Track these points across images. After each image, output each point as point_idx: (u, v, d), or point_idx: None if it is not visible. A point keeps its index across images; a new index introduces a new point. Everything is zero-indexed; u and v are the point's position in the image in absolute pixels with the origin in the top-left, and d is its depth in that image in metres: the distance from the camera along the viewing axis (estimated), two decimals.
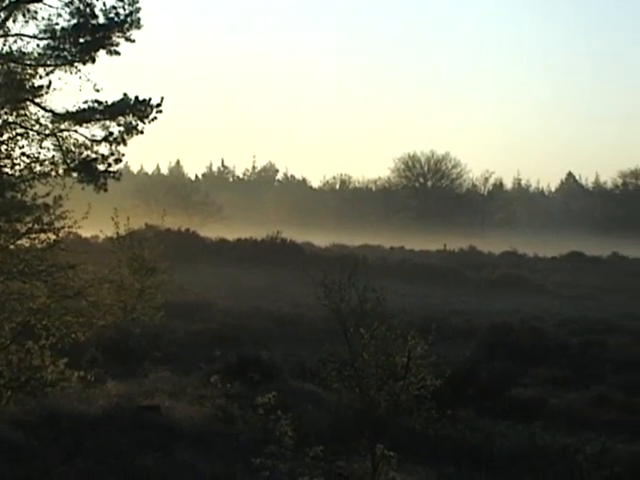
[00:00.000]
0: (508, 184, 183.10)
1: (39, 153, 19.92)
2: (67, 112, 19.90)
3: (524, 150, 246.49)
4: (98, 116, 19.94)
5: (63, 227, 19.70)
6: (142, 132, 20.28)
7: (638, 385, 25.54)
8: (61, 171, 20.08)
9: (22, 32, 19.65)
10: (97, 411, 19.26)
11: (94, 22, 19.50)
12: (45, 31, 19.56)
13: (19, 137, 19.78)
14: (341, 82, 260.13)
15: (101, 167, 20.24)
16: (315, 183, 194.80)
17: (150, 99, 20.14)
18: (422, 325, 16.61)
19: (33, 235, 19.60)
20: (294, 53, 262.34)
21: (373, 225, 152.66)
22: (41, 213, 19.42)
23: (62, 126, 20.04)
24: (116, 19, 19.54)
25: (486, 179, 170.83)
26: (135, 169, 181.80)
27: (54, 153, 20.08)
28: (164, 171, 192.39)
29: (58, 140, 20.10)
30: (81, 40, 19.55)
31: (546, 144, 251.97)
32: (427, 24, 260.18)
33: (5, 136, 19.62)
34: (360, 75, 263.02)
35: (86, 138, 20.16)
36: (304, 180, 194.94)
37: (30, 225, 19.44)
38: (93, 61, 19.70)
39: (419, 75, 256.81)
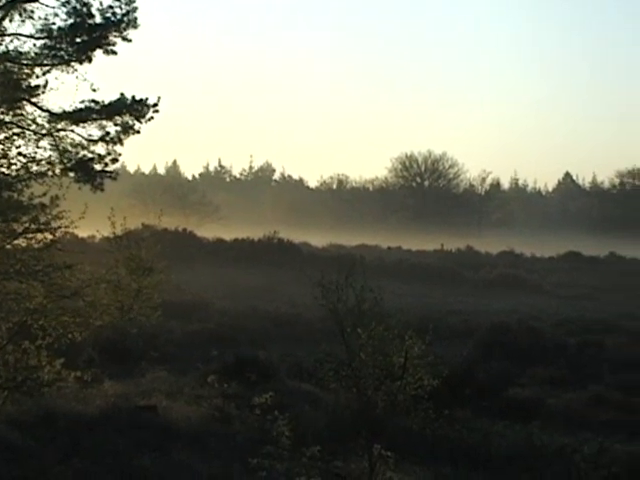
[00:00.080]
0: (505, 184, 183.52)
1: (36, 153, 19.89)
2: (64, 112, 19.87)
3: (521, 150, 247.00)
4: (95, 116, 19.91)
5: (60, 227, 19.66)
6: (139, 132, 20.26)
7: (636, 385, 25.55)
8: (58, 171, 20.04)
9: (19, 32, 19.62)
10: (94, 411, 19.26)
11: (91, 22, 19.46)
12: (42, 31, 19.52)
13: (16, 137, 19.75)
14: (338, 82, 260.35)
15: (98, 167, 20.21)
16: (312, 183, 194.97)
17: (147, 99, 20.12)
18: (419, 325, 16.58)
19: (30, 235, 19.56)
20: (291, 53, 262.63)
21: (370, 225, 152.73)
22: (38, 213, 19.38)
23: (59, 126, 20.01)
24: (113, 19, 19.51)
25: (483, 179, 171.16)
26: (132, 169, 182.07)
27: (51, 153, 20.06)
28: (161, 171, 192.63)
29: (55, 140, 20.07)
30: (78, 40, 19.52)
31: (543, 144, 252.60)
32: (424, 24, 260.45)
33: (1, 136, 19.58)
34: (357, 75, 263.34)
35: (83, 138, 20.14)
36: (301, 180, 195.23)
37: (27, 225, 19.41)
38: (90, 61, 19.68)
39: (416, 75, 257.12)
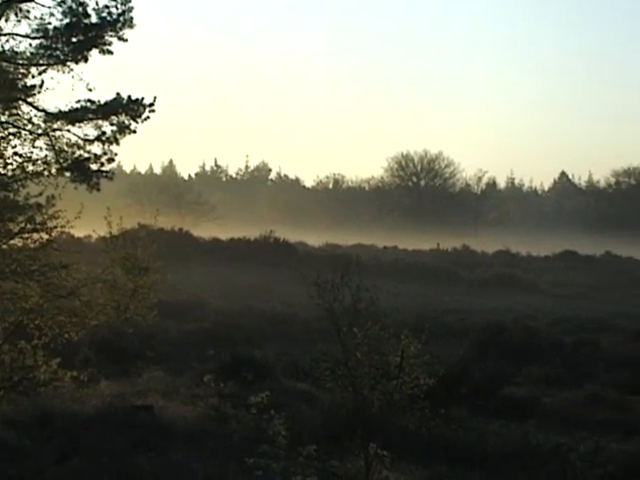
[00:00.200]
0: (501, 183, 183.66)
1: (32, 152, 19.91)
2: (60, 111, 19.88)
3: (517, 149, 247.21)
4: (91, 115, 19.92)
5: (56, 227, 19.67)
6: (135, 132, 20.28)
7: (631, 384, 25.58)
8: (54, 171, 20.06)
9: (14, 31, 19.64)
10: (90, 411, 19.25)
11: (87, 21, 19.48)
12: (37, 30, 19.53)
13: (11, 136, 19.76)
14: (334, 82, 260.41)
15: (94, 167, 20.22)
16: (308, 183, 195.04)
17: (143, 98, 20.14)
18: (415, 324, 16.63)
19: (26, 235, 19.58)
20: (287, 53, 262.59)
21: (366, 224, 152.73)
22: (34, 213, 19.39)
23: (55, 125, 20.02)
24: (109, 18, 19.52)
25: (479, 178, 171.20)
26: (128, 169, 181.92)
27: (47, 152, 20.07)
28: (157, 171, 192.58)
29: (51, 139, 20.07)
30: (74, 39, 19.53)
31: (539, 143, 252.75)
32: (419, 23, 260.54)
33: None
34: (353, 75, 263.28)
35: (79, 138, 20.15)
36: (297, 180, 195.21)
37: (23, 225, 19.42)
38: (86, 60, 19.69)
39: (412, 74, 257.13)
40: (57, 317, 19.79)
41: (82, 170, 20.15)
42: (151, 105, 20.18)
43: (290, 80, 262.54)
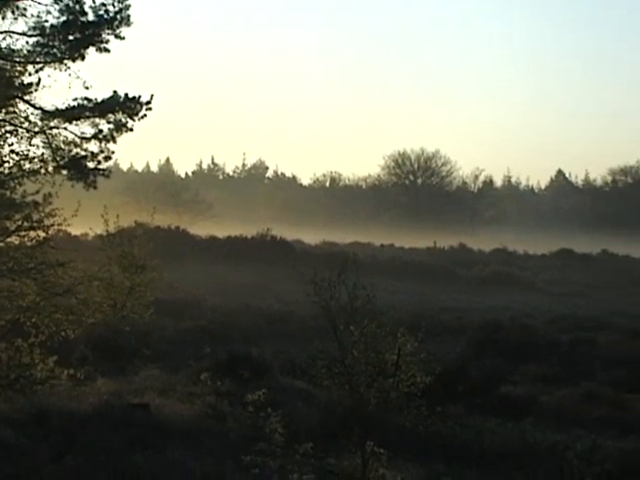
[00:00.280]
0: (498, 181, 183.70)
1: (28, 150, 19.90)
2: (56, 109, 19.87)
3: (514, 147, 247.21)
4: (88, 113, 19.91)
5: (52, 225, 19.68)
6: (132, 129, 20.28)
7: (627, 382, 25.63)
8: (50, 169, 20.05)
9: (11, 29, 19.64)
10: (87, 409, 19.25)
11: (83, 19, 19.47)
12: (34, 28, 19.52)
13: (8, 134, 19.76)
14: (330, 79, 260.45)
15: (91, 165, 20.22)
16: (305, 181, 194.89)
17: (140, 96, 20.14)
18: (412, 322, 16.60)
19: (22, 233, 19.58)
20: (283, 50, 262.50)
21: (363, 223, 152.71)
22: (30, 211, 19.40)
23: (51, 123, 20.01)
24: (105, 16, 19.52)
25: (476, 176, 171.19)
26: (125, 167, 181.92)
27: (43, 151, 20.07)
28: (154, 169, 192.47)
29: (47, 137, 20.07)
30: (70, 37, 19.53)
31: (536, 141, 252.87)
32: (416, 21, 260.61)
33: None
34: (349, 72, 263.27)
35: (75, 135, 20.15)
36: (294, 178, 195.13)
37: (19, 223, 19.42)
38: (82, 58, 19.68)
39: (409, 72, 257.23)
40: (54, 315, 19.79)
41: (79, 168, 20.14)
42: (148, 103, 20.18)
43: (287, 78, 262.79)
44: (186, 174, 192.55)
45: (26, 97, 19.72)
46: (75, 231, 46.83)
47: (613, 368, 27.59)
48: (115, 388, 21.67)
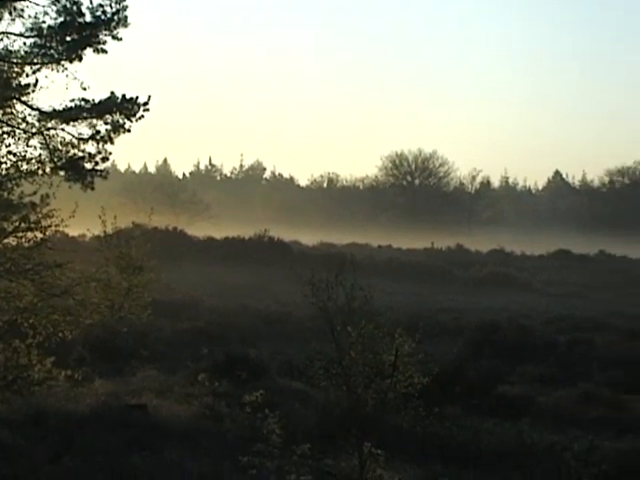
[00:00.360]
0: (495, 182, 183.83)
1: (26, 151, 19.90)
2: (54, 110, 19.87)
3: (511, 148, 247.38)
4: (85, 114, 19.90)
5: (50, 226, 19.68)
6: (129, 130, 20.26)
7: (625, 382, 25.65)
8: (48, 169, 20.05)
9: (9, 30, 19.65)
10: (84, 410, 19.24)
11: (81, 20, 19.46)
12: (32, 29, 19.52)
13: (6, 135, 19.75)
14: (328, 80, 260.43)
15: (88, 165, 20.21)
16: (303, 182, 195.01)
17: (137, 97, 20.13)
18: (409, 323, 16.62)
19: (20, 234, 19.58)
20: (281, 51, 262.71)
21: (361, 223, 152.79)
22: (28, 212, 19.40)
23: (49, 124, 20.01)
24: (103, 17, 19.51)
25: (473, 177, 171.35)
26: (122, 167, 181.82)
27: (41, 151, 20.06)
28: (151, 169, 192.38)
29: (45, 138, 20.06)
30: (68, 38, 19.52)
31: (533, 142, 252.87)
32: (413, 22, 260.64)
33: None
34: (347, 73, 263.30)
35: (73, 136, 20.13)
36: (292, 179, 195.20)
37: (17, 224, 19.41)
38: (80, 59, 19.67)
39: (406, 73, 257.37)
40: (51, 316, 19.79)
41: (76, 169, 20.13)
42: (145, 104, 20.17)
43: (284, 79, 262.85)
44: (183, 175, 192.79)
45: (23, 98, 19.72)
46: (72, 232, 46.92)
47: (610, 369, 27.61)
48: (112, 389, 21.67)
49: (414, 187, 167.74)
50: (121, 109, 19.97)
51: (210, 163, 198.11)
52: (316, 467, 15.20)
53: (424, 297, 51.38)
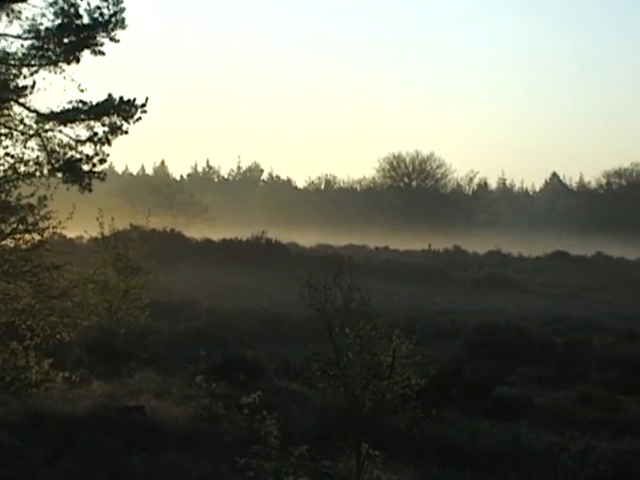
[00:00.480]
0: (492, 184, 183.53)
1: (23, 153, 19.94)
2: (51, 112, 19.89)
3: (508, 150, 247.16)
4: (83, 116, 19.93)
5: (48, 227, 19.70)
6: (127, 132, 20.29)
7: (622, 383, 25.68)
8: (45, 171, 20.07)
9: (6, 32, 19.67)
10: (82, 411, 19.24)
11: (78, 22, 19.49)
12: (29, 31, 19.54)
13: (3, 137, 19.78)
14: (325, 81, 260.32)
15: (86, 167, 20.23)
16: (300, 183, 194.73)
17: (135, 99, 20.15)
18: (407, 324, 16.65)
19: (17, 235, 19.60)
20: (278, 53, 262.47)
21: (358, 225, 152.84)
22: (25, 213, 19.42)
23: (46, 126, 20.03)
24: (100, 19, 19.54)
25: (471, 179, 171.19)
26: (120, 169, 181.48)
27: (38, 153, 20.09)
28: (149, 171, 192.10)
29: (42, 140, 20.08)
30: (65, 40, 19.54)
31: (530, 144, 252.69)
32: (410, 23, 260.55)
33: None
34: (344, 75, 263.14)
35: (70, 138, 20.15)
36: (289, 180, 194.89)
37: (14, 225, 19.44)
38: (77, 61, 19.70)
39: (403, 74, 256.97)
40: (49, 318, 19.81)
41: (74, 171, 20.15)
42: (143, 106, 20.20)
43: (281, 80, 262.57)
44: (181, 177, 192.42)
45: (21, 100, 19.74)
46: (70, 234, 46.85)
47: (608, 370, 27.62)
48: (110, 391, 21.67)
49: (411, 189, 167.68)
50: (119, 111, 19.99)
51: (207, 165, 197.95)
52: (314, 468, 15.21)
53: (421, 299, 51.40)
